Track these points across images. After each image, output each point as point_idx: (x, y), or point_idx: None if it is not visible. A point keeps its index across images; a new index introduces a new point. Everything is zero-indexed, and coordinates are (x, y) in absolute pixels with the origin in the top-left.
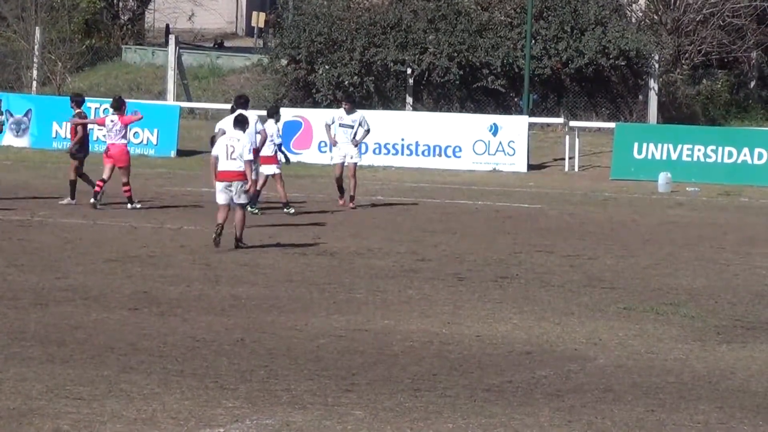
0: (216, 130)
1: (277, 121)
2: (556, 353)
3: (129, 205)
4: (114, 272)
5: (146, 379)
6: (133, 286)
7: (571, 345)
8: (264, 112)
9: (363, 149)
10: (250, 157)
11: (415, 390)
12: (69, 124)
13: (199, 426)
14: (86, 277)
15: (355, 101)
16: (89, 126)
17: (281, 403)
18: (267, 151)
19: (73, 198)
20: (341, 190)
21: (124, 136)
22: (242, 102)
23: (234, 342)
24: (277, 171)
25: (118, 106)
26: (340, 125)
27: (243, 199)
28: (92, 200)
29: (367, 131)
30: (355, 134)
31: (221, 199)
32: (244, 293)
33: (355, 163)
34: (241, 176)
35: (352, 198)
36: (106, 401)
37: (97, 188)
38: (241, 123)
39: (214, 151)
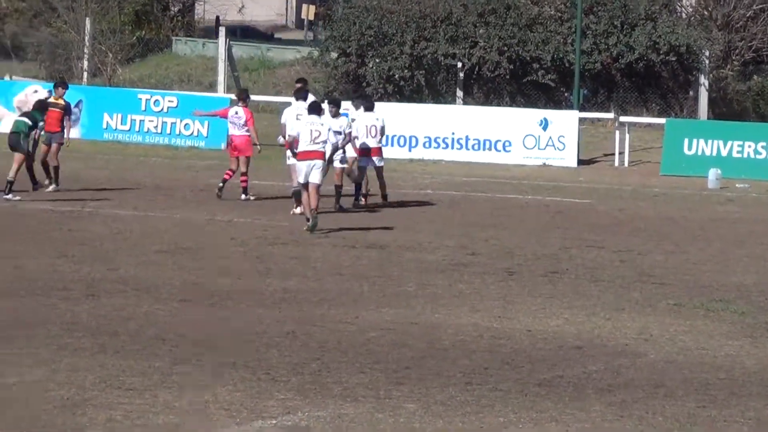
0: (282, 121)
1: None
2: (607, 348)
3: (243, 196)
4: (165, 263)
5: (198, 371)
6: (183, 277)
7: (622, 340)
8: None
9: (413, 142)
10: (333, 139)
11: (467, 384)
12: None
13: (252, 417)
14: (137, 269)
15: (339, 105)
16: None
17: (333, 396)
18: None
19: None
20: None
21: (247, 128)
22: (298, 91)
23: (285, 334)
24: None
25: (244, 98)
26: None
27: (317, 179)
28: (244, 196)
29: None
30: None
31: (302, 177)
32: (294, 286)
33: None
34: (322, 156)
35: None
36: (158, 392)
37: (226, 177)
38: (316, 109)
39: (294, 132)
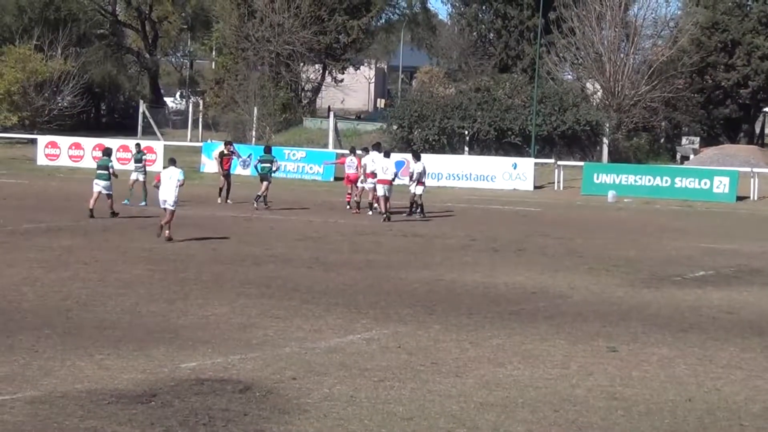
0: (363, 163)
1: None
2: (550, 293)
3: (348, 207)
4: (298, 246)
5: (317, 308)
6: (309, 253)
7: (558, 289)
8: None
9: (440, 176)
10: (396, 171)
11: (469, 314)
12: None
13: (346, 334)
14: (283, 249)
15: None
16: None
17: (392, 321)
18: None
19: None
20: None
21: (356, 168)
22: (378, 145)
23: (367, 286)
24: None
25: (353, 151)
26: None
27: (388, 194)
28: (348, 206)
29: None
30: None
31: (381, 192)
32: (372, 258)
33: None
34: (391, 182)
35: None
36: (293, 320)
37: (348, 198)
38: (387, 154)
39: (372, 168)
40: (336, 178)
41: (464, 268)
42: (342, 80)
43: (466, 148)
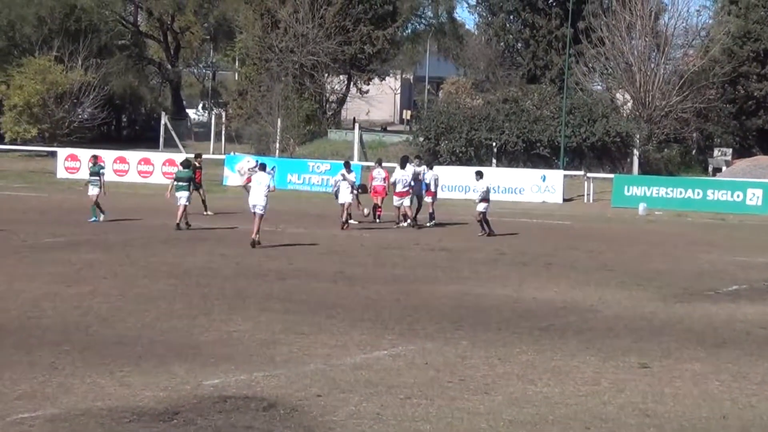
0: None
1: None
2: (580, 308)
3: (377, 221)
4: (323, 260)
5: (341, 323)
6: (334, 267)
7: (589, 303)
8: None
9: (468, 189)
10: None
11: (498, 329)
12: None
13: (372, 350)
14: (306, 263)
15: (349, 165)
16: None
17: (419, 337)
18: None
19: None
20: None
21: (384, 180)
22: (405, 159)
23: (393, 301)
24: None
25: (381, 163)
26: (342, 182)
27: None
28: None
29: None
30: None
31: (396, 203)
32: (399, 272)
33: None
34: (407, 194)
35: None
36: (318, 335)
37: (379, 212)
38: (403, 164)
39: (393, 179)
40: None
41: (493, 283)
42: (367, 91)
43: (494, 160)
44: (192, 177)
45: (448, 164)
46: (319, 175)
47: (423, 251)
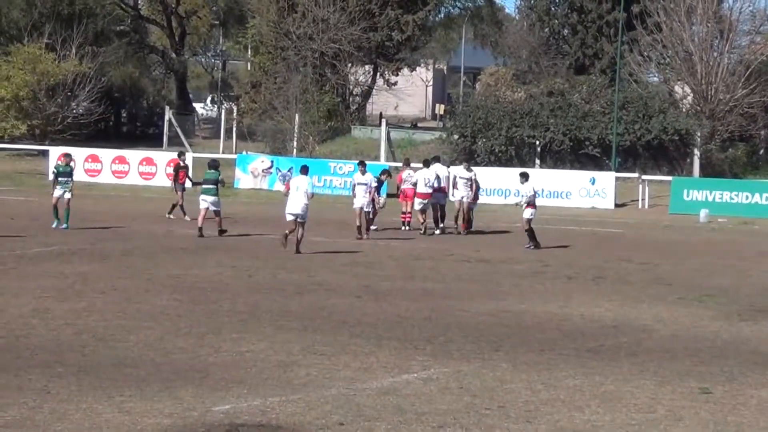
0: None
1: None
2: (633, 327)
3: (404, 227)
4: (346, 272)
5: (367, 343)
6: (358, 281)
7: (643, 321)
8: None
9: (508, 193)
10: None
11: (541, 350)
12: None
13: (400, 373)
14: (327, 275)
15: (365, 165)
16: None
17: (454, 358)
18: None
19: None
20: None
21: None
22: (434, 158)
23: (423, 318)
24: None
25: (408, 164)
26: (357, 184)
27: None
28: (406, 227)
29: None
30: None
31: (418, 206)
32: (430, 286)
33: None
34: (431, 196)
35: (365, 229)
36: (340, 356)
37: (408, 218)
38: (427, 164)
39: (414, 179)
40: (389, 195)
41: (535, 298)
42: (395, 83)
43: (538, 161)
44: (218, 179)
45: (486, 165)
46: (341, 177)
47: (458, 263)
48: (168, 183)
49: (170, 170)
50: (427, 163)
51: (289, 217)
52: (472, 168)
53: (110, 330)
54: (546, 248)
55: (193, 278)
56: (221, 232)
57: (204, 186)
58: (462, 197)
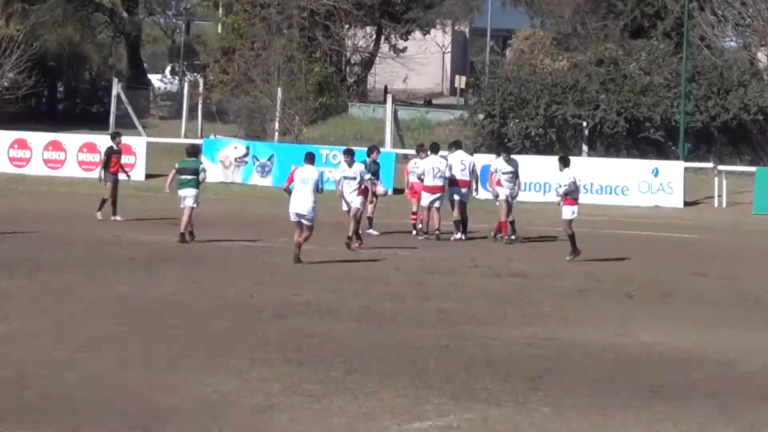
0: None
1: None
2: (710, 359)
3: (413, 232)
4: (341, 289)
5: (368, 380)
6: (357, 300)
7: (723, 353)
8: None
9: (547, 188)
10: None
11: (592, 390)
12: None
13: (411, 420)
14: (318, 293)
15: (353, 154)
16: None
17: (480, 401)
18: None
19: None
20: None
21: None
22: (455, 143)
23: (440, 349)
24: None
25: (419, 152)
26: (344, 178)
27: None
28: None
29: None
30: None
31: (426, 201)
32: (449, 308)
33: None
34: (442, 189)
35: (356, 236)
36: (334, 398)
37: (413, 221)
38: (435, 149)
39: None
40: (395, 190)
41: (584, 323)
42: (404, 50)
43: (585, 147)
44: (198, 169)
45: (519, 152)
46: (335, 167)
47: (484, 277)
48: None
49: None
50: (435, 148)
51: (294, 218)
52: (513, 157)
53: (39, 364)
54: (596, 259)
55: (145, 297)
56: (183, 236)
57: (181, 177)
58: (507, 196)
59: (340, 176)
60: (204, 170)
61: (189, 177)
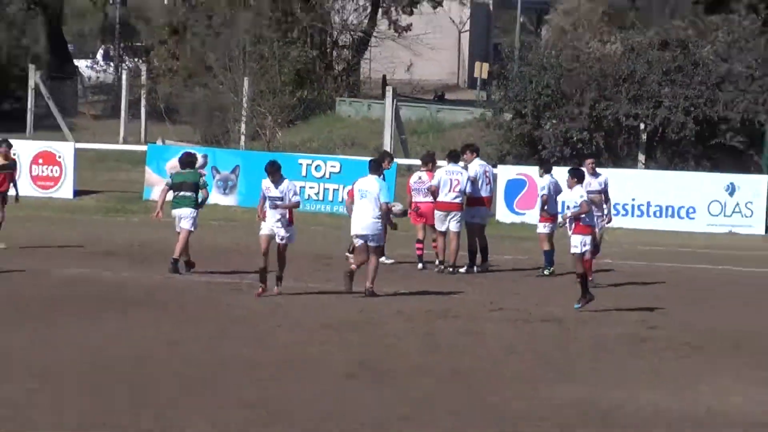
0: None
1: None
2: None
3: (419, 265)
4: (328, 338)
5: None
6: (347, 353)
7: None
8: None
9: None
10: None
11: None
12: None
13: None
14: (299, 345)
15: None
16: None
17: None
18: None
19: None
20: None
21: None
22: (469, 147)
23: (451, 413)
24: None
25: (427, 162)
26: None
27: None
28: (420, 265)
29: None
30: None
31: (439, 222)
32: (464, 364)
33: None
34: (459, 207)
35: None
36: None
37: (419, 251)
38: (453, 156)
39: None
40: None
41: (636, 381)
42: (409, 27)
43: (641, 156)
44: (197, 183)
45: (555, 162)
46: (319, 183)
47: (509, 323)
48: (36, 192)
49: None
50: (454, 156)
51: (357, 241)
52: (599, 171)
53: None
54: (651, 298)
55: (70, 353)
56: (175, 264)
57: (177, 194)
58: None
59: (261, 197)
60: (205, 185)
61: (187, 194)
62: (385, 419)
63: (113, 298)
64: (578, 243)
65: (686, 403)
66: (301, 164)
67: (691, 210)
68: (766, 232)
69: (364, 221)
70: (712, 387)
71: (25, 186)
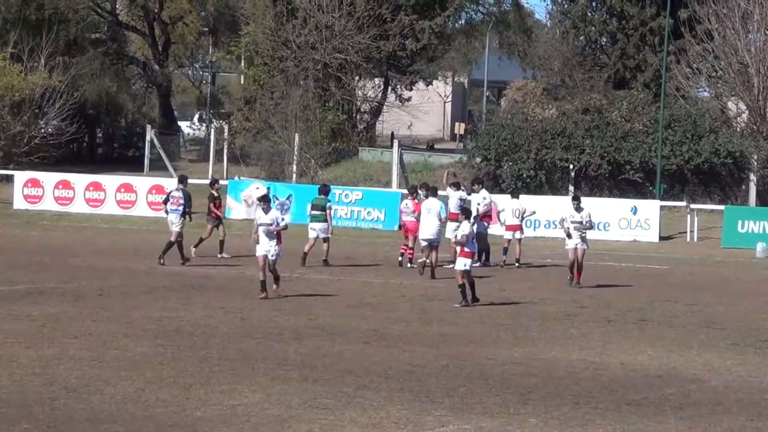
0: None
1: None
2: (680, 377)
3: (409, 264)
4: (352, 315)
5: (376, 395)
6: (366, 324)
7: (691, 371)
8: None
9: (537, 224)
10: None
11: (575, 404)
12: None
13: (415, 429)
14: (331, 318)
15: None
16: None
17: (475, 413)
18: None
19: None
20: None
21: (416, 214)
22: (455, 184)
23: (441, 367)
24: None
25: (412, 193)
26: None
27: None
28: (409, 264)
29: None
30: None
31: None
32: (449, 331)
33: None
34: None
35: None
36: (345, 411)
37: (409, 254)
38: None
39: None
40: (401, 227)
41: (569, 344)
42: (409, 99)
43: (571, 187)
44: (328, 207)
45: (510, 192)
46: (347, 206)
47: (480, 304)
48: (150, 212)
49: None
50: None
51: (424, 243)
52: (582, 205)
53: (84, 380)
54: (582, 287)
55: (178, 321)
56: (325, 263)
57: (312, 212)
58: (576, 245)
59: (255, 224)
60: (330, 207)
61: (318, 212)
62: (393, 369)
63: (197, 285)
64: (462, 264)
65: (605, 358)
66: (335, 193)
67: (606, 225)
68: (658, 240)
69: (430, 229)
70: (623, 348)
71: (142, 208)
